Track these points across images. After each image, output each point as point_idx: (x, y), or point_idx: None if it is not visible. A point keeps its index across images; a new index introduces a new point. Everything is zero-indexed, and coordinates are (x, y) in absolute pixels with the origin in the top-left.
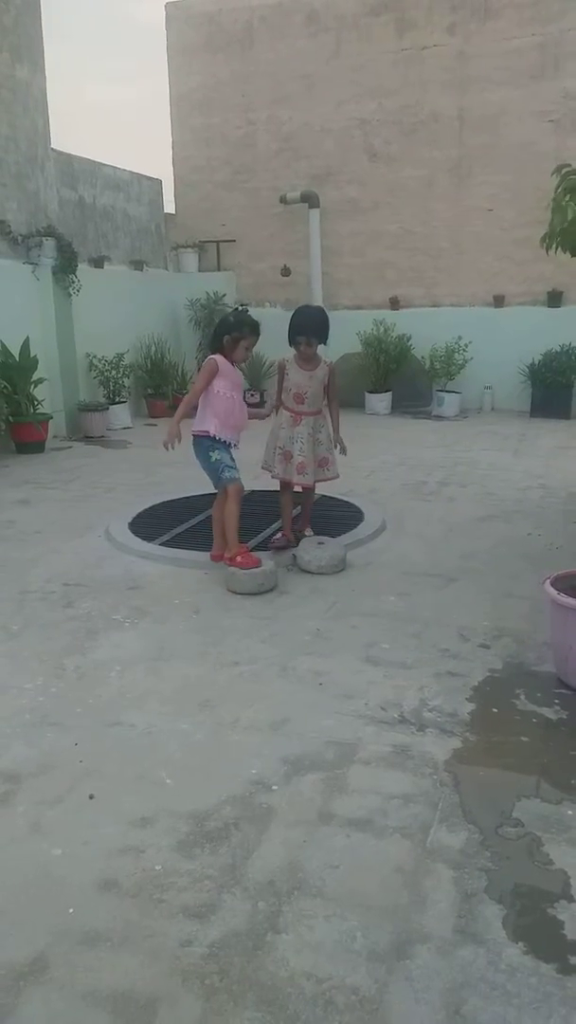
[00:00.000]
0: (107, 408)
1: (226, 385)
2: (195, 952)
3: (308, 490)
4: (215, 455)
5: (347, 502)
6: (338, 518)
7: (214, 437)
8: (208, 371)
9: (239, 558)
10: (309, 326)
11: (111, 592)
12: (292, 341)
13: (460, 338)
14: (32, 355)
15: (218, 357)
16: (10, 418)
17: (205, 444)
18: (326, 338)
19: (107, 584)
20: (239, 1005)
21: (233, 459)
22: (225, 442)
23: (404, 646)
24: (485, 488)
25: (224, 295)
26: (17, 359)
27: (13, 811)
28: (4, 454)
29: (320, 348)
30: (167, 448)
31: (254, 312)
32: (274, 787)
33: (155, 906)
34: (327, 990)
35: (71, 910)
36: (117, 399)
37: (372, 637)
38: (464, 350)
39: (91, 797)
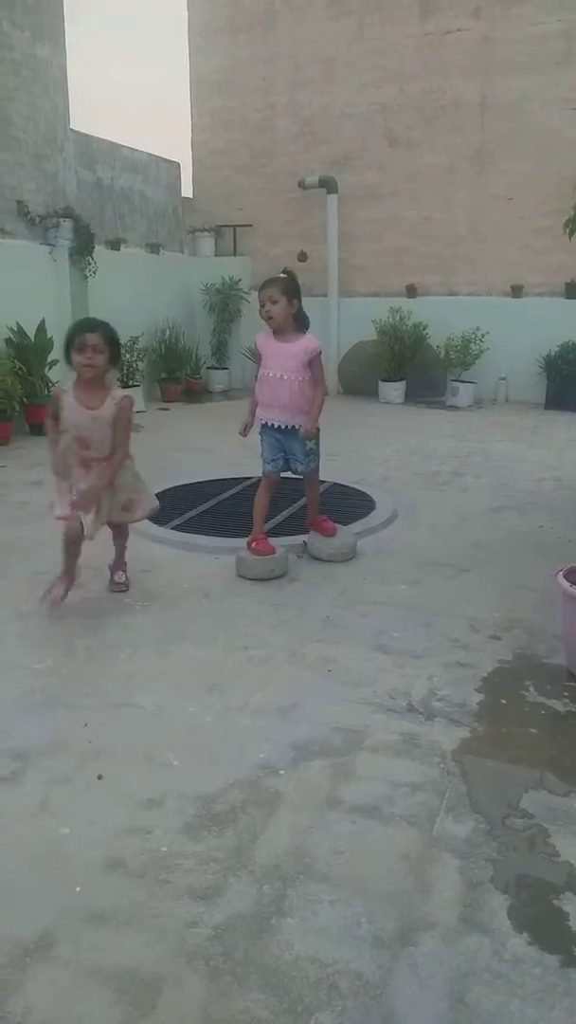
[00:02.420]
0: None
1: (265, 366)
2: (200, 933)
3: (311, 479)
4: (261, 441)
5: (359, 490)
6: (349, 506)
7: (261, 422)
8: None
9: (254, 544)
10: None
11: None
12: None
13: (477, 328)
14: (48, 336)
15: (260, 334)
16: (24, 399)
17: (260, 426)
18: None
19: None
20: (243, 987)
21: (274, 447)
22: (269, 425)
23: (414, 635)
24: (498, 479)
25: (240, 280)
26: (33, 340)
27: (22, 789)
28: (18, 436)
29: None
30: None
31: None
32: (281, 772)
33: (161, 887)
34: (331, 975)
35: (78, 888)
36: (131, 383)
37: (382, 625)
38: (480, 340)
39: (99, 777)
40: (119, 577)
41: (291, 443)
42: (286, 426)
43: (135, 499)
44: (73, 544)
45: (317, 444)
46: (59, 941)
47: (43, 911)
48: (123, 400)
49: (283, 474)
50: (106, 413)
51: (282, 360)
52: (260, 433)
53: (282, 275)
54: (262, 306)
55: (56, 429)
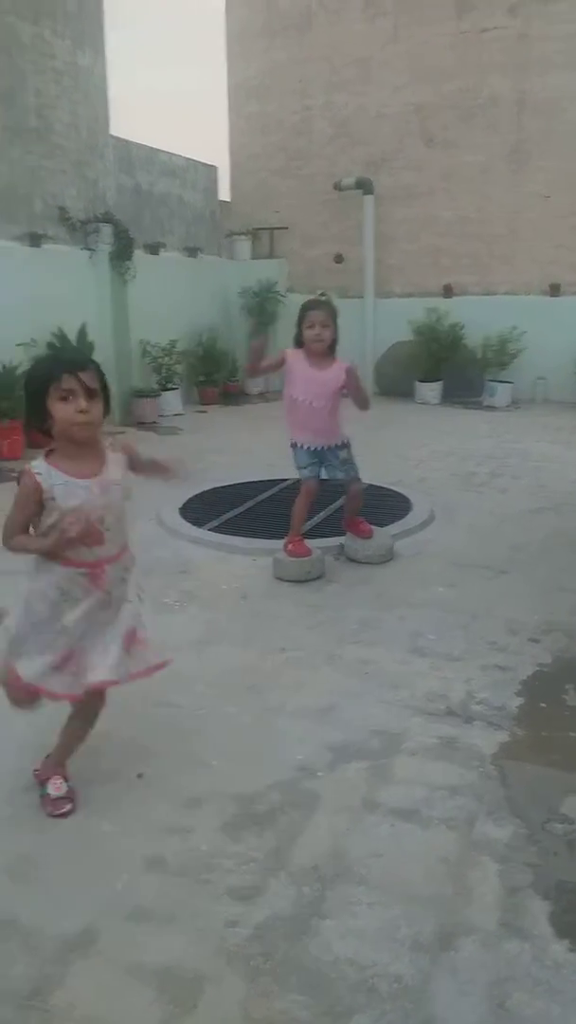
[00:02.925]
0: (159, 394)
1: (294, 387)
2: (240, 933)
3: (354, 487)
4: (294, 455)
5: (395, 491)
6: (386, 507)
7: (291, 442)
8: (274, 358)
9: (290, 545)
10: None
11: (161, 575)
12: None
13: (514, 327)
14: (89, 340)
15: (290, 351)
16: None
17: (291, 447)
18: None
19: (157, 567)
20: (283, 988)
21: (309, 457)
22: (299, 445)
23: (452, 638)
24: (537, 480)
25: (276, 283)
26: (74, 344)
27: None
28: None
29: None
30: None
31: (304, 299)
32: (319, 774)
33: (201, 886)
34: (370, 977)
35: (119, 886)
36: (169, 386)
37: (419, 627)
38: (518, 339)
39: (140, 776)
40: (56, 786)
41: (326, 456)
42: (321, 447)
43: (140, 630)
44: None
45: (350, 454)
46: (101, 937)
47: (84, 907)
48: (127, 448)
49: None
50: (117, 474)
51: (315, 388)
52: (293, 452)
53: (323, 298)
54: (311, 328)
55: (35, 541)
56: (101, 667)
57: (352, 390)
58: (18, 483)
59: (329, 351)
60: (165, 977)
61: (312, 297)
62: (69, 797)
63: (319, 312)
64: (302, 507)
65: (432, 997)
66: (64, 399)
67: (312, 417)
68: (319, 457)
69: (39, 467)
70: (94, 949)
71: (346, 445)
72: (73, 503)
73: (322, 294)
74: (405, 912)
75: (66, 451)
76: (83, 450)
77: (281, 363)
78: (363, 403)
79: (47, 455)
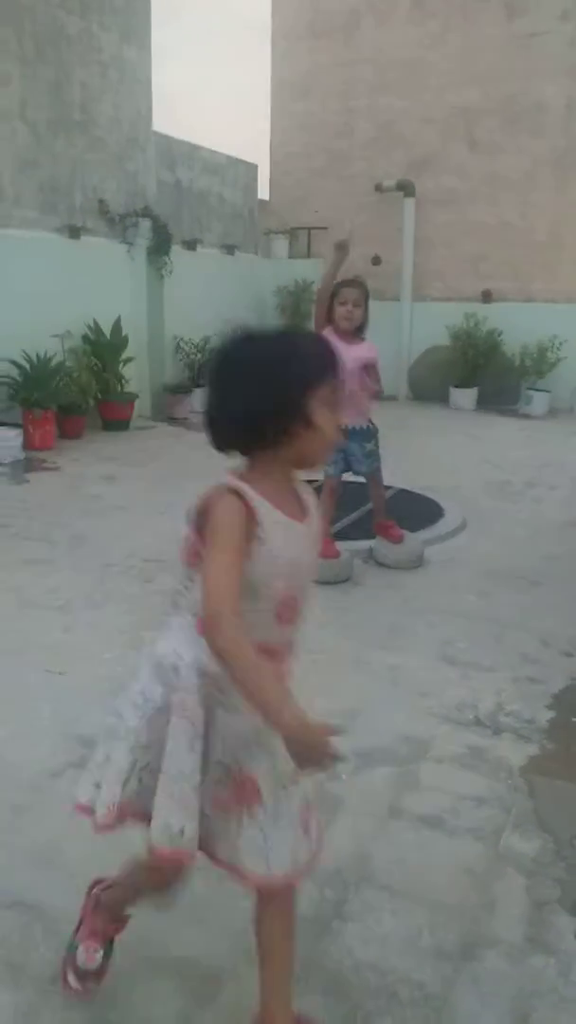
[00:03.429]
0: (191, 391)
1: None
2: None
3: (376, 482)
4: None
5: (427, 497)
6: (417, 513)
7: None
8: (323, 326)
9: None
10: None
11: None
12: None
13: (554, 336)
14: (123, 334)
15: (328, 327)
16: (99, 395)
17: None
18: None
19: None
20: (303, 989)
21: (336, 451)
22: None
23: (482, 647)
24: (574, 491)
25: (312, 282)
26: (108, 337)
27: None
28: (92, 430)
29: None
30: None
31: None
32: (344, 777)
33: (223, 883)
34: (391, 983)
35: None
36: (201, 382)
37: (449, 635)
38: (558, 348)
39: None
40: (89, 954)
41: (351, 444)
42: (348, 427)
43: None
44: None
45: (377, 445)
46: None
47: None
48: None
49: (347, 477)
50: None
51: (353, 361)
52: None
53: (358, 279)
54: (344, 304)
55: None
56: None
57: (372, 374)
58: (204, 511)
59: (358, 332)
60: (185, 970)
61: (347, 277)
62: (98, 973)
63: (353, 290)
64: (328, 506)
65: (454, 1006)
66: (329, 407)
67: (348, 386)
68: (343, 450)
69: (246, 492)
70: (116, 938)
71: (373, 434)
72: (290, 554)
73: (357, 277)
74: (428, 920)
75: (272, 479)
76: (287, 483)
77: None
78: (376, 388)
79: (241, 478)
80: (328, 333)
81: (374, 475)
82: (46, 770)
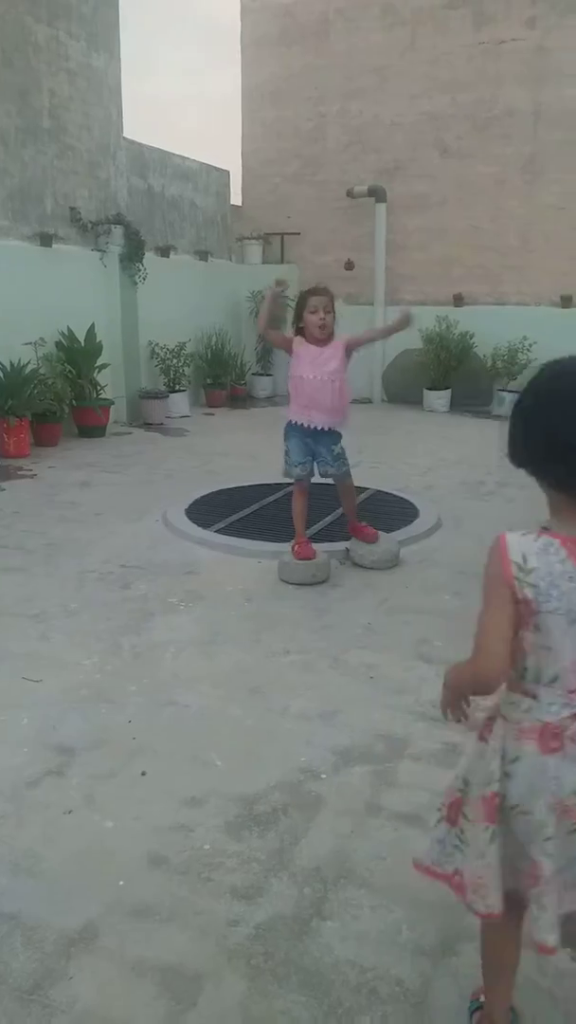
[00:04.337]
0: (167, 396)
1: (301, 367)
2: (241, 932)
3: (347, 486)
4: (285, 444)
5: (402, 498)
6: (393, 513)
7: (289, 420)
8: (283, 337)
9: (296, 547)
10: None
11: (167, 576)
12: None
13: (525, 338)
14: (97, 340)
15: (296, 338)
16: (73, 402)
17: (285, 429)
18: None
19: (163, 568)
20: (283, 987)
21: (302, 450)
22: (303, 426)
23: (457, 645)
24: None
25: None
26: (83, 344)
27: (68, 783)
28: (67, 437)
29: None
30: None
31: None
32: (323, 776)
33: (203, 884)
34: (371, 979)
35: (121, 882)
36: (177, 387)
37: (425, 634)
38: (528, 350)
39: (143, 774)
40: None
41: (320, 446)
42: (321, 428)
43: None
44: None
45: (343, 449)
46: (103, 933)
47: (87, 903)
48: None
49: (320, 480)
50: None
51: (322, 362)
52: (287, 435)
53: (322, 286)
54: (315, 312)
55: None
56: None
57: (366, 339)
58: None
59: (329, 337)
60: (166, 974)
61: (312, 286)
62: None
63: (322, 298)
64: (301, 507)
65: (433, 1001)
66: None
67: (322, 392)
68: (312, 450)
69: (519, 547)
70: (96, 944)
71: (340, 435)
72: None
73: (321, 285)
74: (407, 916)
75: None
76: None
77: (290, 342)
78: (385, 332)
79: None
80: (299, 344)
81: (344, 479)
82: (23, 779)
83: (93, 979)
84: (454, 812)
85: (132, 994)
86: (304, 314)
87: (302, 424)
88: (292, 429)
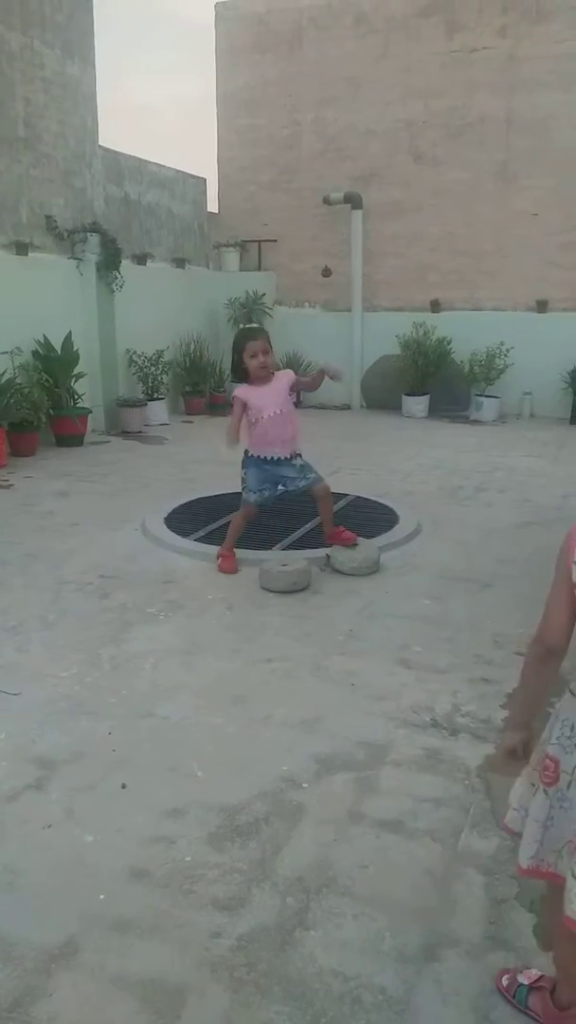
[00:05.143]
0: (145, 404)
1: (259, 410)
2: (224, 944)
3: (321, 494)
4: (243, 471)
5: (382, 504)
6: (372, 519)
7: (247, 453)
8: (235, 410)
9: (220, 560)
10: None
11: (146, 585)
12: None
13: (502, 343)
14: (74, 349)
15: (239, 390)
16: (51, 411)
17: (244, 459)
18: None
19: (142, 577)
20: (266, 999)
21: (261, 478)
22: (264, 459)
23: (438, 650)
24: (523, 494)
25: (264, 294)
26: (59, 353)
27: (47, 797)
28: (45, 447)
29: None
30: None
31: (292, 312)
32: (305, 785)
33: (185, 897)
34: (354, 988)
35: (102, 896)
36: (155, 395)
37: (405, 639)
38: (505, 355)
39: (123, 786)
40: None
41: (283, 469)
42: (282, 457)
43: None
44: None
45: (304, 460)
46: (83, 948)
47: (67, 918)
48: None
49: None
50: None
51: (274, 398)
52: (245, 467)
53: (255, 326)
54: (254, 357)
55: None
56: None
57: (304, 385)
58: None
59: (271, 374)
60: (148, 988)
61: (245, 326)
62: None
63: (259, 342)
64: (240, 525)
65: (417, 1008)
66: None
67: (281, 425)
68: (274, 477)
69: (239, 390)
70: (77, 960)
71: (298, 453)
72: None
73: (252, 321)
74: (390, 923)
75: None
76: None
77: (243, 406)
78: (314, 384)
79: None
80: (249, 392)
81: (317, 484)
82: (2, 793)
83: (74, 995)
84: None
85: (114, 1009)
86: (244, 359)
87: (262, 456)
88: (250, 460)
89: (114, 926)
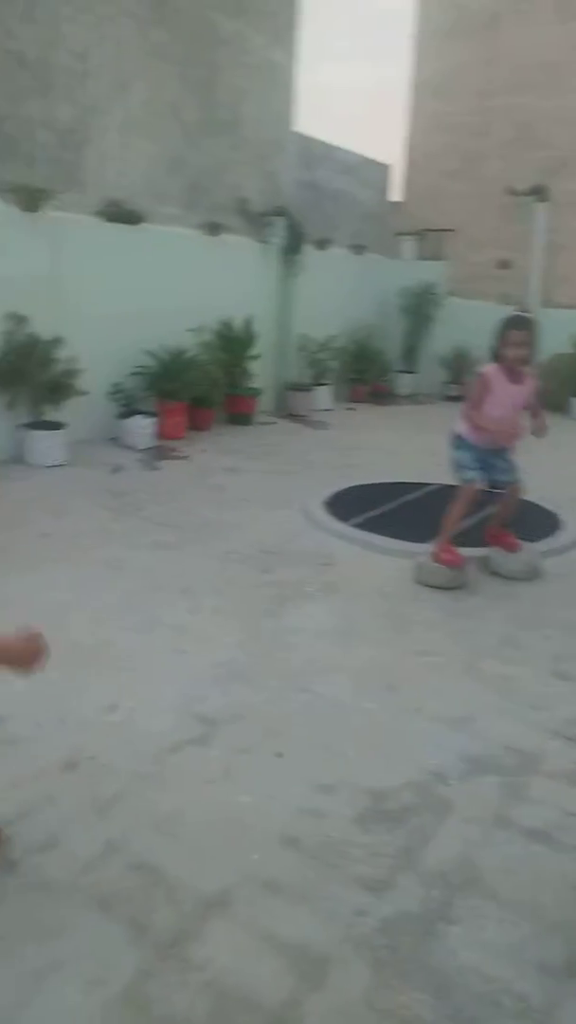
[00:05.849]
0: (311, 389)
1: (494, 405)
2: (367, 923)
3: (514, 493)
4: (457, 453)
5: (545, 508)
6: (535, 524)
7: (459, 435)
8: (478, 388)
9: (444, 554)
10: None
11: (304, 565)
12: None
13: None
14: (254, 330)
15: (491, 368)
16: (228, 389)
17: (454, 441)
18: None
19: (301, 556)
20: (407, 983)
21: (475, 460)
22: (473, 444)
23: None
24: None
25: (436, 285)
26: (239, 333)
27: (208, 753)
28: (217, 423)
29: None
30: None
31: (463, 305)
32: (452, 782)
33: (332, 870)
34: (495, 991)
35: (255, 856)
36: (322, 381)
37: (564, 650)
38: None
39: (279, 755)
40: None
41: (497, 459)
42: (495, 449)
43: None
44: None
45: (514, 458)
46: (236, 901)
47: (224, 871)
48: None
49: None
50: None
51: (512, 400)
52: (458, 446)
53: (524, 315)
54: (517, 346)
55: None
56: None
57: (534, 410)
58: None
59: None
60: (295, 951)
61: (515, 313)
62: None
63: (525, 332)
64: (460, 512)
65: (558, 1022)
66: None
67: (507, 423)
68: (483, 462)
69: (489, 369)
70: (230, 912)
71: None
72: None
73: (524, 310)
74: (534, 933)
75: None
76: None
77: (487, 384)
78: (540, 428)
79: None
80: (498, 376)
81: (516, 484)
82: (167, 745)
83: (227, 943)
84: None
85: (262, 964)
86: (505, 345)
87: (481, 445)
88: (465, 443)
89: (265, 886)
